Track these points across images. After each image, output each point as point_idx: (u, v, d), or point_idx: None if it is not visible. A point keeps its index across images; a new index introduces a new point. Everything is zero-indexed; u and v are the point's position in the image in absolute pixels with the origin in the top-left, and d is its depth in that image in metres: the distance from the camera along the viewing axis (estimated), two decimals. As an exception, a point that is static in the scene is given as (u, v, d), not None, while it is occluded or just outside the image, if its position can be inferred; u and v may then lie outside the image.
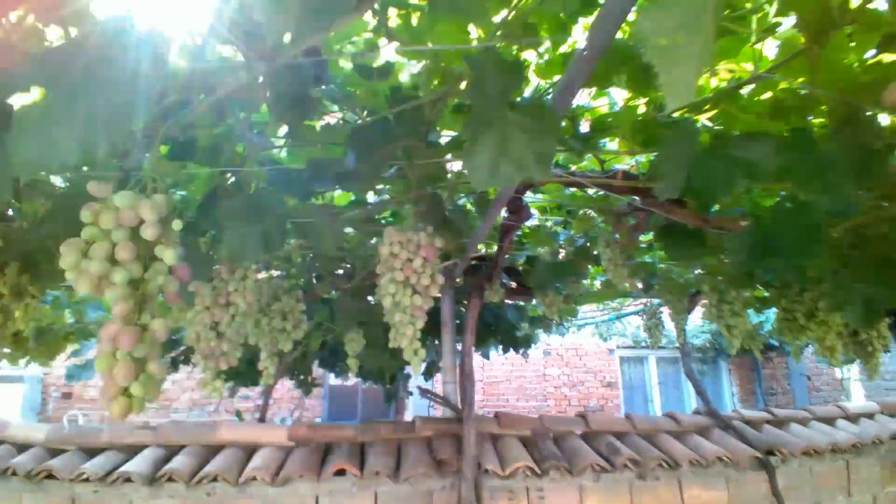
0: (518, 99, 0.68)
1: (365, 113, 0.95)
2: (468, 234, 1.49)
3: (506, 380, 6.22)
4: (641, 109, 1.04)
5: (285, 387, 5.58)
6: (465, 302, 2.62)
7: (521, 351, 2.99)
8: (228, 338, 1.18)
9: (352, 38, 0.87)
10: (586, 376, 6.27)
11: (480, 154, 0.66)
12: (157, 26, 0.56)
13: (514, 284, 2.33)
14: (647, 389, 6.11)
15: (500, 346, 2.90)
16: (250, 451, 2.16)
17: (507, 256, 2.30)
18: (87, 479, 1.89)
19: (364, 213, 1.43)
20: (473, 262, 2.21)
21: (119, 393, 0.70)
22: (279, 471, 2.01)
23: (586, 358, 6.39)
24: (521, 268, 2.24)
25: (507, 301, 2.52)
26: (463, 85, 0.77)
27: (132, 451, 2.09)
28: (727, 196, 0.78)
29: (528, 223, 2.23)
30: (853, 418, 2.74)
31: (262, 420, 2.49)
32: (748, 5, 0.75)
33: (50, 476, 1.91)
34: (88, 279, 0.69)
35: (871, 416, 2.80)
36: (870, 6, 0.87)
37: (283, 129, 1.24)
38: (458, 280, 2.35)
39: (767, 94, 0.84)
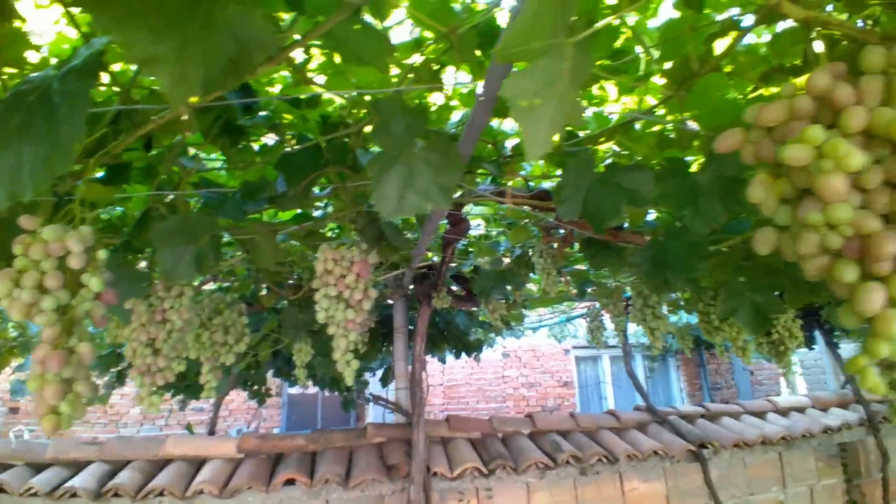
0: (427, 133, 0.76)
1: (294, 140, 1.01)
2: (407, 248, 1.55)
3: (466, 383, 6.34)
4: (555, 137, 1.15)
5: (241, 397, 5.50)
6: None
7: (473, 355, 3.09)
8: (164, 354, 1.21)
9: (278, 73, 0.93)
10: (543, 377, 6.48)
11: (388, 186, 0.73)
12: (84, 72, 0.61)
13: (463, 291, 2.41)
14: (601, 388, 6.37)
15: (454, 351, 2.99)
16: (198, 464, 2.15)
17: (456, 265, 2.39)
18: (35, 494, 1.86)
19: (307, 227, 1.48)
20: (423, 272, 2.28)
21: (49, 411, 0.74)
22: (227, 483, 2.02)
23: (543, 359, 6.60)
24: (469, 275, 2.32)
25: (457, 308, 2.60)
26: (369, 128, 0.84)
27: (78, 466, 2.07)
28: (615, 219, 0.88)
29: (475, 232, 2.33)
30: (783, 412, 2.93)
31: (211, 433, 2.47)
32: (633, 55, 0.86)
33: (0, 490, 1.87)
34: (20, 306, 0.72)
35: (801, 410, 2.97)
36: (745, 45, 0.99)
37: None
38: (409, 288, 2.42)
39: (656, 128, 0.95)
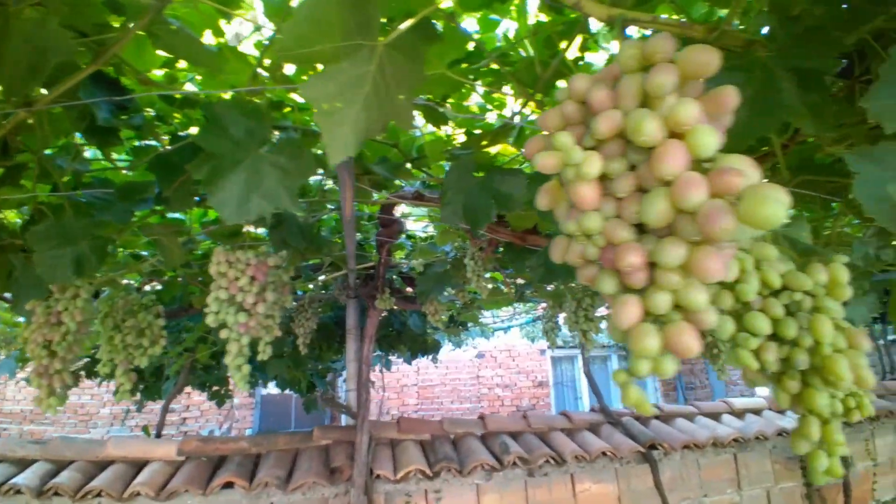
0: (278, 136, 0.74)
1: (168, 139, 0.99)
2: (331, 251, 1.53)
3: (441, 383, 6.33)
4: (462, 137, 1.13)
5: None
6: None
7: (429, 356, 3.07)
8: (60, 356, 1.18)
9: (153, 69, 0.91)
10: (519, 377, 6.48)
11: (229, 189, 0.71)
12: None
13: (412, 293, 2.39)
14: (576, 387, 6.38)
15: (409, 353, 2.97)
16: (140, 466, 2.12)
17: (408, 267, 2.37)
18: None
19: (227, 227, 1.45)
20: (370, 273, 2.26)
21: None
22: (165, 485, 1.99)
23: (519, 359, 6.60)
24: (416, 277, 2.30)
25: (402, 309, 2.58)
26: (194, 130, 0.82)
27: (24, 464, 2.06)
28: (487, 222, 0.86)
29: (422, 234, 2.31)
30: (738, 414, 2.93)
31: (158, 435, 2.44)
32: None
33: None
34: None
35: (758, 412, 2.97)
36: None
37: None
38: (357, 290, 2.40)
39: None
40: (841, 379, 0.51)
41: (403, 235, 2.30)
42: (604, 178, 0.43)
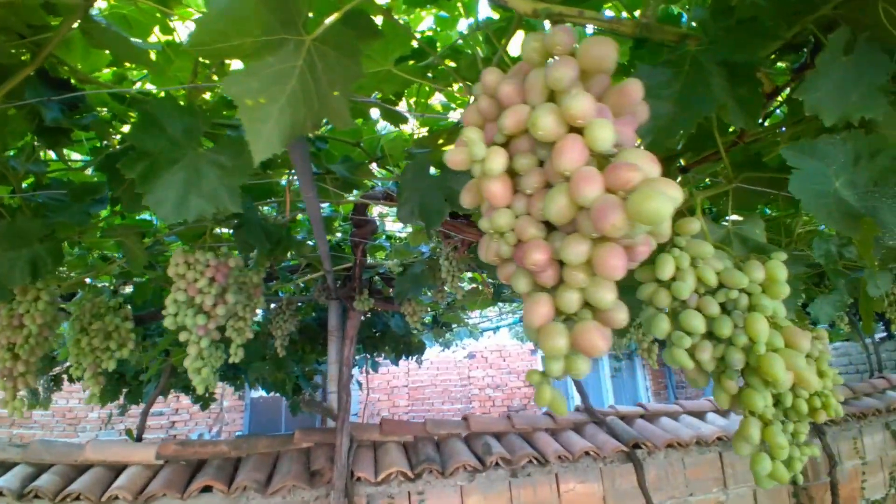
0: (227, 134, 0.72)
1: (119, 138, 0.97)
2: (301, 252, 1.52)
3: (431, 384, 6.32)
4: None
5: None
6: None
7: (413, 358, 3.05)
8: (24, 359, 1.17)
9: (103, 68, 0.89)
10: (509, 377, 6.47)
11: (165, 189, 0.70)
12: None
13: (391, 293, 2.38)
14: (568, 387, 6.37)
15: (394, 355, 2.95)
16: (119, 470, 2.11)
17: (384, 268, 2.36)
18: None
19: (190, 228, 1.43)
20: (349, 274, 2.24)
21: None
22: (144, 489, 1.97)
23: (510, 359, 6.59)
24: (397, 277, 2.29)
25: (381, 310, 2.56)
26: (126, 128, 0.80)
27: (6, 467, 2.05)
28: (442, 221, 0.85)
29: (402, 234, 2.29)
30: (724, 412, 2.93)
31: (139, 439, 2.41)
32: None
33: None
34: None
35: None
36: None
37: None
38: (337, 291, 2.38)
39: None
40: (776, 379, 0.50)
41: (384, 236, 2.29)
42: (515, 175, 0.42)
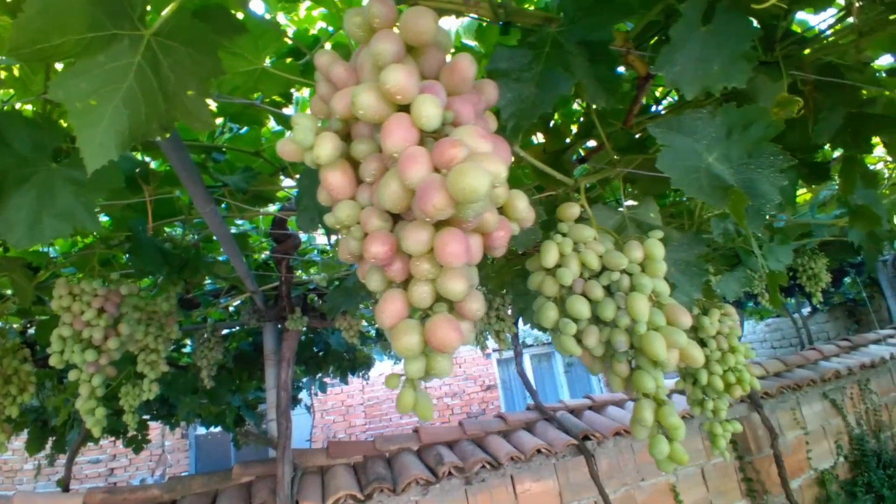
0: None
1: None
2: (212, 272, 1.42)
3: (388, 399, 6.19)
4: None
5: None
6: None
7: (359, 374, 2.97)
8: None
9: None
10: (467, 383, 6.45)
11: (15, 210, 0.62)
12: None
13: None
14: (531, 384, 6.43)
15: (339, 373, 2.86)
16: (37, 530, 1.90)
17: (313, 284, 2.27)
18: None
19: (82, 255, 1.32)
20: (277, 294, 2.14)
21: None
22: (62, 550, 1.79)
23: (465, 365, 6.58)
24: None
25: (317, 327, 2.48)
26: None
27: None
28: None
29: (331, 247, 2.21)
30: (667, 395, 3.03)
31: (66, 489, 2.20)
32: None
33: None
34: None
35: (683, 391, 3.09)
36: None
37: None
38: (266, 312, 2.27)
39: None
40: (656, 357, 0.49)
41: (315, 250, 2.21)
42: (357, 163, 0.39)
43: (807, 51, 0.69)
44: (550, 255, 0.55)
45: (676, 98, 0.90)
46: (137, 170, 0.90)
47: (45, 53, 0.46)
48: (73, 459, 2.32)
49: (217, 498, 2.07)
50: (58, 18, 0.45)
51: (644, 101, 0.94)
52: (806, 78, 0.67)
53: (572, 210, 0.57)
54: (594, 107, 0.65)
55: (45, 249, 1.43)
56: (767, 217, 1.14)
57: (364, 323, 2.94)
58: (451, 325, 0.35)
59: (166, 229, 1.52)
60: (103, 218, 1.38)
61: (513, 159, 0.52)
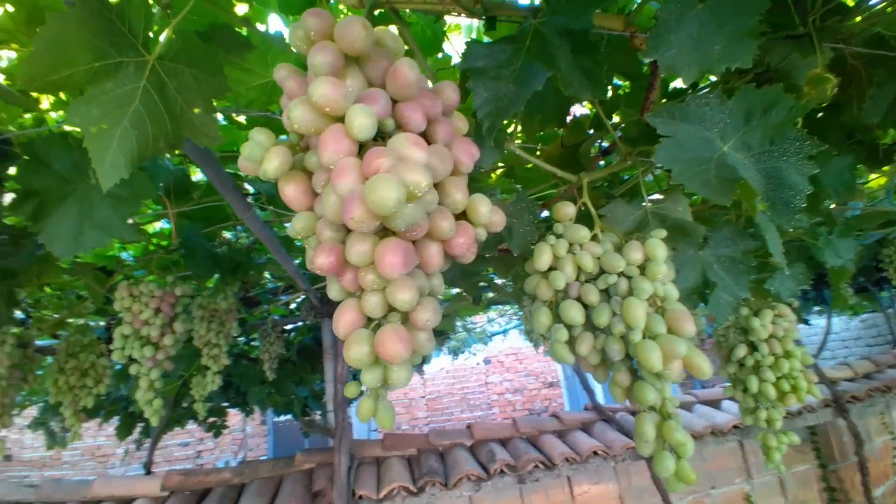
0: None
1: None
2: (262, 272, 1.51)
3: (448, 393, 6.24)
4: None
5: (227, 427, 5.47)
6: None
7: (415, 369, 3.02)
8: (-8, 403, 1.18)
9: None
10: (528, 379, 6.35)
11: (59, 224, 0.69)
12: None
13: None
14: (590, 383, 6.22)
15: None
16: (126, 503, 2.13)
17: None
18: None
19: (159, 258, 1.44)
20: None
21: None
22: (147, 523, 1.99)
23: (527, 361, 6.47)
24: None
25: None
26: (12, 170, 0.80)
27: None
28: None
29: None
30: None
31: (148, 472, 2.44)
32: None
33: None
34: None
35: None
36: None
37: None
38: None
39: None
40: (651, 368, 0.46)
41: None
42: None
43: (857, 18, 0.60)
44: (543, 258, 0.52)
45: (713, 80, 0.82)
46: (165, 182, 0.97)
47: (57, 85, 0.51)
48: (156, 444, 2.56)
49: (282, 482, 2.21)
50: (65, 52, 0.49)
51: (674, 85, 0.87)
52: (853, 51, 0.58)
53: (566, 209, 0.54)
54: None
55: (119, 255, 1.59)
56: (833, 205, 1.02)
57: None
58: (398, 336, 0.35)
59: (225, 233, 1.63)
60: (164, 224, 1.51)
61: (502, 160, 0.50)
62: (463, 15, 0.50)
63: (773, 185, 0.53)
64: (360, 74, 0.36)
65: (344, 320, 0.37)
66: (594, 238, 0.56)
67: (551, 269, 0.53)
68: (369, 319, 0.37)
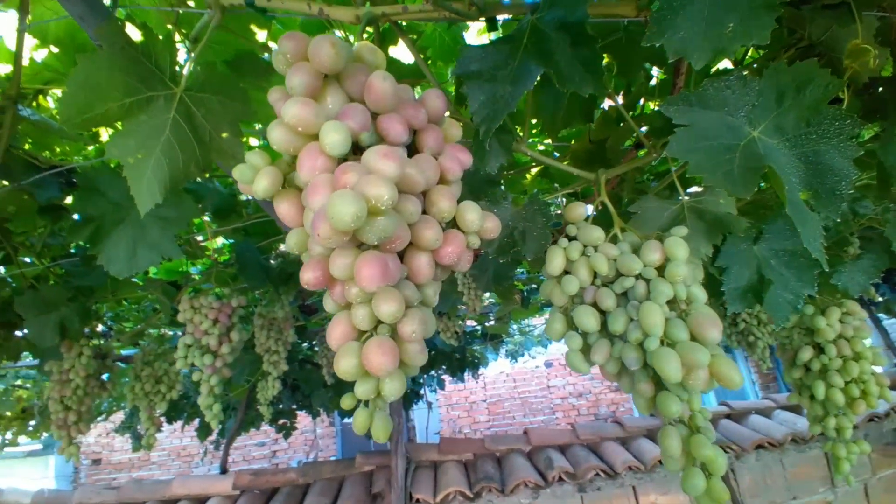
0: None
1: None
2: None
3: (509, 397, 6.14)
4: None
5: (299, 429, 5.75)
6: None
7: (472, 373, 3.00)
8: (74, 409, 1.31)
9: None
10: (593, 383, 6.10)
11: (115, 246, 0.76)
12: None
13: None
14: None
15: (448, 372, 2.93)
16: (202, 502, 2.29)
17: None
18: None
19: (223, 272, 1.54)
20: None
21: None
22: (221, 520, 2.13)
23: (591, 364, 6.19)
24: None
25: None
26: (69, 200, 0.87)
27: None
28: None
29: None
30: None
31: (223, 471, 2.61)
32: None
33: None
34: None
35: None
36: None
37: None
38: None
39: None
40: (669, 378, 0.42)
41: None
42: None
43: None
44: (556, 262, 0.50)
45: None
46: (216, 203, 1.04)
47: (92, 121, 0.56)
48: (231, 445, 2.72)
49: (343, 483, 2.28)
50: (97, 91, 0.54)
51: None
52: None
53: (579, 210, 0.52)
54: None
55: (189, 269, 1.71)
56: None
57: (471, 323, 2.99)
58: (382, 348, 0.34)
59: (281, 246, 1.72)
60: (225, 241, 1.60)
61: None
62: (453, 18, 0.50)
63: (813, 171, 0.48)
64: (341, 91, 0.36)
65: (335, 333, 0.37)
66: (612, 239, 0.53)
67: (564, 273, 0.51)
68: (361, 332, 0.38)
